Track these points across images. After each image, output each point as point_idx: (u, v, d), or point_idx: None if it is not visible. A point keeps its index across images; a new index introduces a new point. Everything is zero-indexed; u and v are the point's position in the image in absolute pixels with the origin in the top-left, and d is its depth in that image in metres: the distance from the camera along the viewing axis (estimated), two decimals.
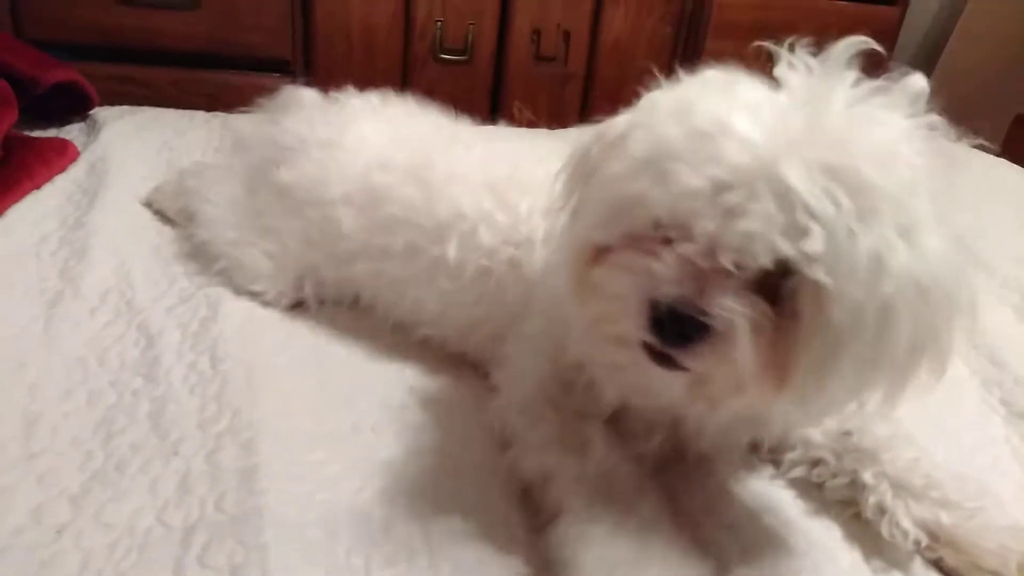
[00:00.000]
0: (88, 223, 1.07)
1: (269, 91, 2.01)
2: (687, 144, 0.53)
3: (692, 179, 0.52)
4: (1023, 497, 0.79)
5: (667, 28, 2.07)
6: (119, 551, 0.63)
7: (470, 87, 2.05)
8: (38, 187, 1.14)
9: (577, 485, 0.66)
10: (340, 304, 0.98)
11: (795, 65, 0.58)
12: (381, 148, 0.94)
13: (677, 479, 0.74)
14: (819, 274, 0.49)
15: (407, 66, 2.00)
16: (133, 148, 1.29)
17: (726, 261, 0.52)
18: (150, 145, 1.32)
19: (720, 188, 0.51)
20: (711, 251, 0.52)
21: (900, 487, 0.70)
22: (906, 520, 0.68)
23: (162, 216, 1.13)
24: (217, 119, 1.47)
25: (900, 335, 0.53)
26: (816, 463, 0.75)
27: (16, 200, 1.09)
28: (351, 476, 0.73)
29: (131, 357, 0.85)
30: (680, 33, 2.08)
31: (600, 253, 0.60)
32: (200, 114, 1.50)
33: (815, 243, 0.49)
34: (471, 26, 1.95)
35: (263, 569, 0.62)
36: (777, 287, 0.52)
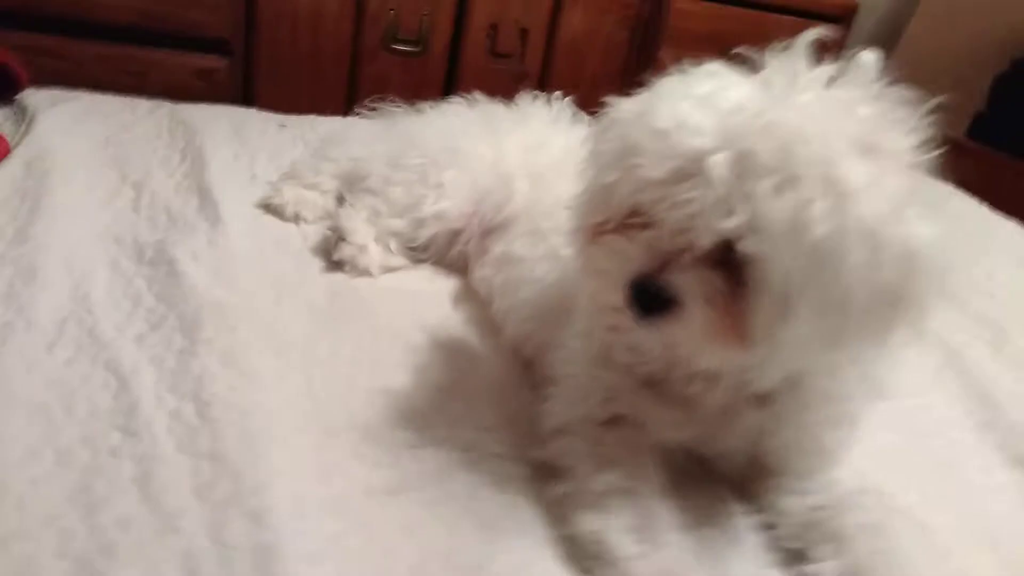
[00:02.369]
0: (32, 236, 0.94)
1: (205, 73, 1.89)
2: (647, 141, 0.62)
3: (651, 172, 0.61)
4: None
5: (623, 32, 2.06)
6: None
7: (422, 80, 1.97)
8: None
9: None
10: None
11: (773, 62, 0.65)
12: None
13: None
14: (749, 245, 0.58)
15: (356, 54, 1.91)
16: (74, 144, 1.14)
17: (681, 243, 0.61)
18: (93, 140, 1.18)
19: (675, 179, 0.60)
20: (670, 235, 0.62)
21: (850, 570, 0.67)
22: None
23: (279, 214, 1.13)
24: (163, 110, 1.34)
25: (851, 278, 0.58)
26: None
27: None
28: (374, 549, 0.65)
29: (103, 404, 0.74)
30: (635, 39, 2.06)
31: (596, 234, 0.69)
32: (142, 103, 1.36)
33: (739, 219, 0.57)
34: (425, 17, 1.88)
35: None
36: (733, 262, 0.60)
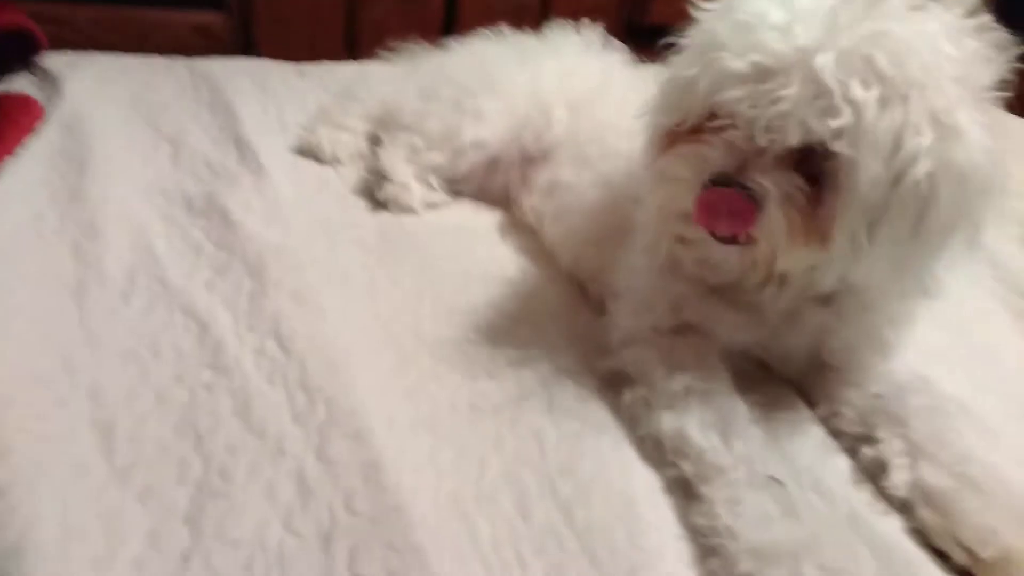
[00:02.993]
0: (87, 195, 0.95)
1: (203, 29, 1.87)
2: (731, 35, 0.62)
3: (734, 64, 0.61)
4: None
5: None
6: (257, 570, 0.58)
7: (422, 21, 1.94)
8: (10, 152, 0.99)
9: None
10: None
11: None
12: None
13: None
14: (843, 148, 0.58)
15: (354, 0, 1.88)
16: (105, 105, 1.15)
17: (763, 141, 0.61)
18: (121, 100, 1.18)
19: (759, 75, 0.60)
20: (751, 134, 0.62)
21: (912, 448, 0.70)
22: (901, 475, 0.68)
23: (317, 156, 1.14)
24: (181, 67, 1.33)
25: (940, 214, 0.61)
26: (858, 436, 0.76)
27: None
28: (465, 461, 0.69)
29: (187, 346, 0.77)
30: None
31: (668, 143, 0.70)
32: (159, 60, 1.36)
33: (840, 121, 0.58)
34: None
35: (426, 573, 0.58)
36: (817, 164, 0.61)
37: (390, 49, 1.39)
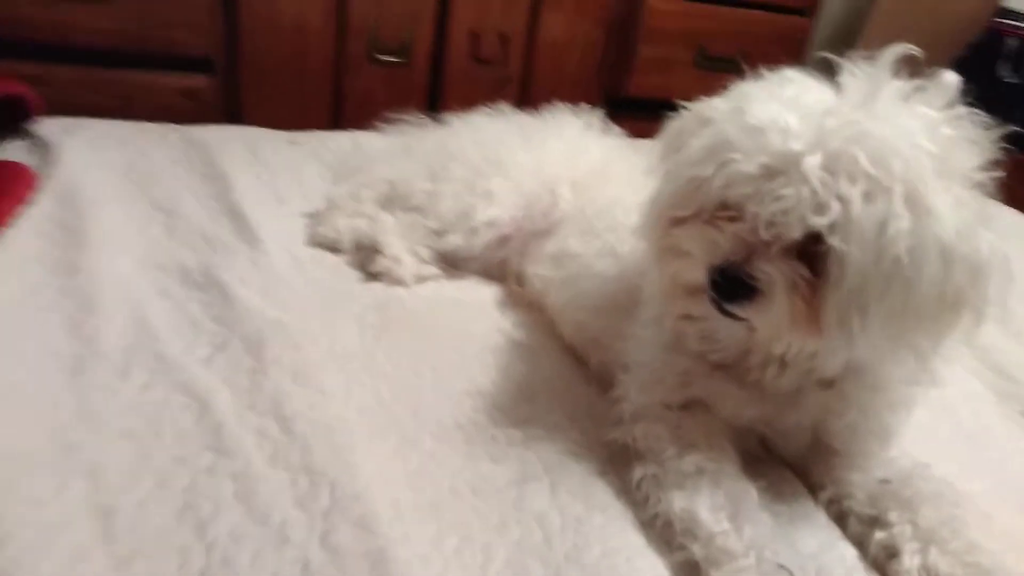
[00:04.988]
0: (82, 267, 0.95)
1: (190, 92, 1.88)
2: (741, 138, 0.66)
3: (744, 167, 0.65)
4: None
5: (599, 32, 2.09)
6: None
7: (407, 90, 1.99)
8: (4, 224, 0.99)
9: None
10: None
11: (853, 71, 0.70)
12: None
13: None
14: (836, 241, 0.63)
15: (340, 67, 1.92)
16: (99, 173, 1.15)
17: (768, 235, 0.66)
18: (116, 168, 1.18)
19: (767, 175, 0.65)
20: (759, 227, 0.66)
21: (922, 534, 0.72)
22: (912, 560, 0.70)
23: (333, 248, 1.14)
24: (175, 133, 1.34)
25: (925, 289, 0.64)
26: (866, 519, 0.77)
27: None
28: (471, 548, 0.69)
29: (187, 425, 0.77)
30: (612, 38, 2.11)
31: (677, 221, 0.74)
32: (153, 127, 1.36)
33: (830, 216, 0.62)
34: (408, 28, 1.89)
35: None
36: (815, 254, 0.66)
37: (379, 119, 1.42)
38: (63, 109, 1.38)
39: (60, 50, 1.64)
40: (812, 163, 0.63)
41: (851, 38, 2.44)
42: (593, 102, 2.28)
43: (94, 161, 1.18)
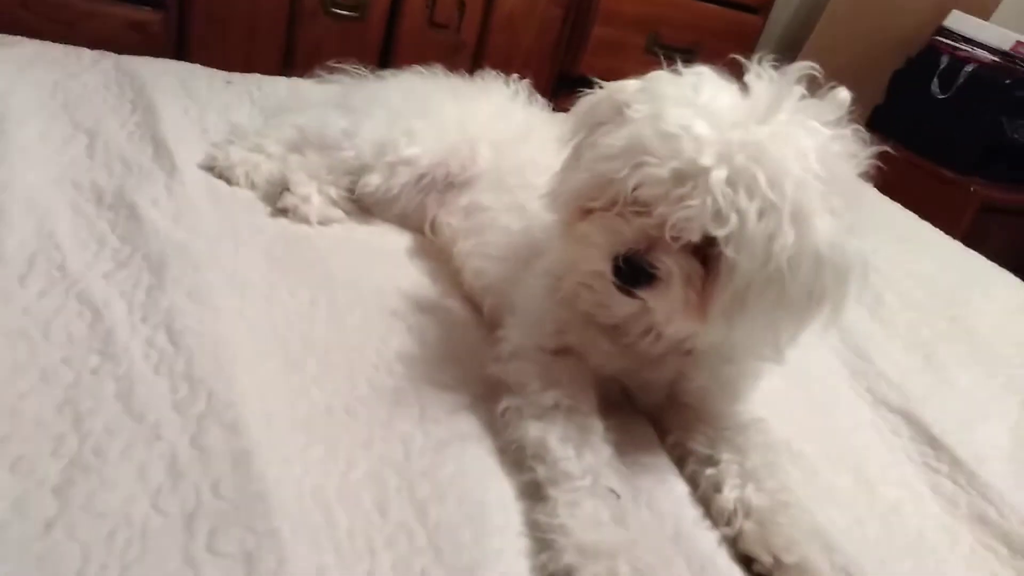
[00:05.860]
0: None
1: (138, 25, 1.87)
2: (656, 143, 0.72)
3: (657, 171, 0.71)
4: (886, 470, 0.97)
5: (557, 9, 2.13)
6: (119, 542, 0.61)
7: (359, 46, 1.99)
8: None
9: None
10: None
11: (760, 76, 0.77)
12: None
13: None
14: (730, 251, 0.70)
15: (294, 16, 1.92)
16: (24, 90, 1.16)
17: (670, 234, 0.72)
18: (42, 86, 1.19)
19: (677, 179, 0.70)
20: (662, 225, 0.72)
21: (744, 474, 0.82)
22: (731, 493, 0.80)
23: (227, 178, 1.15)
24: (108, 60, 1.36)
25: (798, 290, 0.72)
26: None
27: None
28: (334, 459, 0.75)
29: (78, 331, 0.80)
30: (568, 17, 2.14)
31: (587, 212, 0.79)
32: (86, 52, 1.38)
33: (729, 228, 0.69)
34: None
35: (279, 555, 0.63)
36: (708, 253, 0.73)
37: (325, 69, 1.44)
38: (1, 28, 1.38)
39: None
40: (718, 177, 0.69)
41: (799, 41, 2.52)
42: (545, 78, 2.29)
43: (20, 77, 1.19)
